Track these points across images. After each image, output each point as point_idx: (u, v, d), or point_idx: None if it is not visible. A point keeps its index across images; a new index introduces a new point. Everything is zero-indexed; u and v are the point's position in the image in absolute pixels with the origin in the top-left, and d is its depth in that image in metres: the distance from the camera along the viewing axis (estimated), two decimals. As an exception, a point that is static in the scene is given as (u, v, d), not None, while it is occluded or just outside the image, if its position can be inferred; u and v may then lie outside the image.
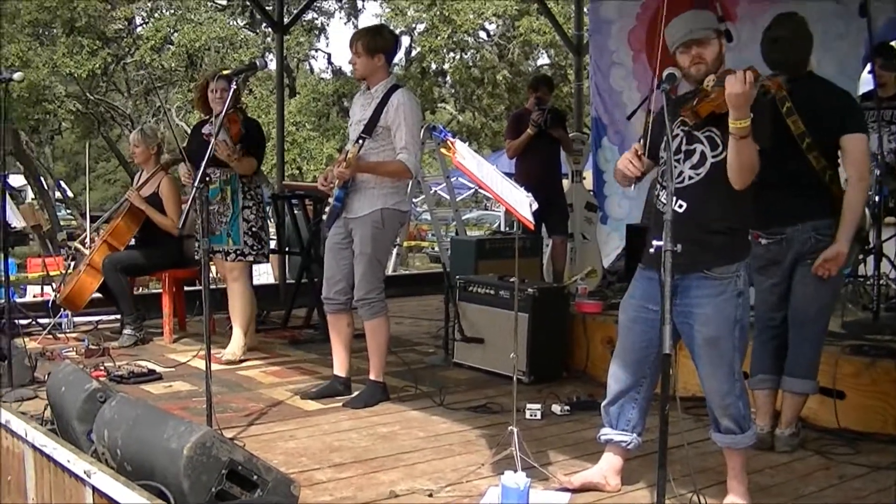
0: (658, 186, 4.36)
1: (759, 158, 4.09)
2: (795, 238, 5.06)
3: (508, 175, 5.14)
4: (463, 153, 4.55)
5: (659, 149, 4.32)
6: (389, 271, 13.00)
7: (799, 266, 5.09)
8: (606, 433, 4.55)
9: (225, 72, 6.26)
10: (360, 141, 5.92)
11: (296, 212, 9.07)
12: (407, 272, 18.16)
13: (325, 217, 6.52)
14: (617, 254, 9.98)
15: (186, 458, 3.65)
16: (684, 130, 4.26)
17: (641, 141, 4.41)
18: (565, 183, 9.78)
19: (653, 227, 4.35)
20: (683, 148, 4.25)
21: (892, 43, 7.73)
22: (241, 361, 7.27)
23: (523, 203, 4.43)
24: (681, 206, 4.17)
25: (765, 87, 3.90)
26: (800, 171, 5.03)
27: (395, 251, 13.09)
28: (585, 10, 11.78)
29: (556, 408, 5.94)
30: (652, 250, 3.90)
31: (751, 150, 3.98)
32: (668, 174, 3.74)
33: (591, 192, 10.43)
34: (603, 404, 4.57)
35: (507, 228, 13.90)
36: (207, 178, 6.62)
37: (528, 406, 5.84)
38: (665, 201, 3.85)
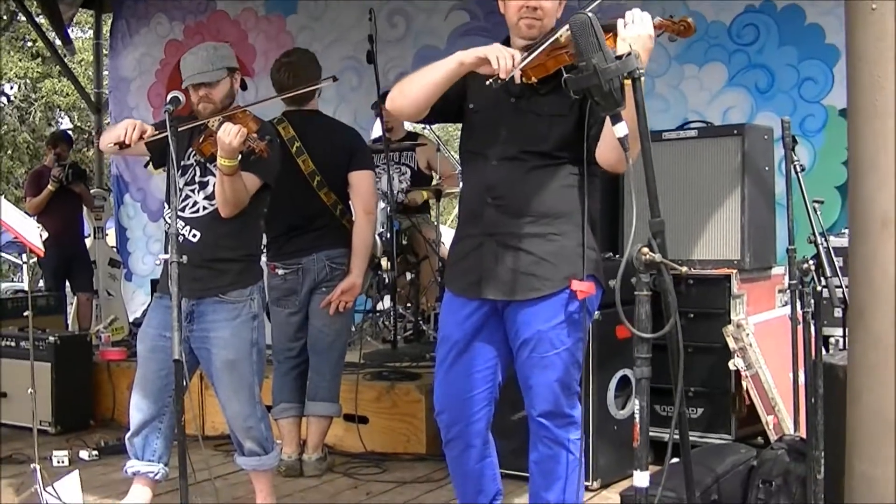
0: (165, 207, 4.44)
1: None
2: (311, 267, 5.25)
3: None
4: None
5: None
6: None
7: (315, 294, 5.28)
8: (133, 465, 4.43)
9: None
10: None
11: None
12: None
13: None
14: (143, 309, 9.91)
15: None
16: (198, 162, 4.34)
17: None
18: (88, 240, 9.64)
19: (164, 247, 4.28)
20: (198, 179, 4.33)
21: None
22: None
23: (33, 232, 4.43)
24: (195, 236, 4.26)
25: (251, 147, 4.01)
26: (313, 206, 5.26)
27: None
28: (105, 69, 11.73)
29: (83, 454, 5.85)
30: (158, 263, 4.01)
31: (237, 186, 4.13)
32: (172, 192, 3.85)
33: (115, 249, 10.31)
34: (127, 436, 4.46)
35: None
36: None
37: (55, 453, 5.68)
38: (170, 222, 3.86)
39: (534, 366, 3.45)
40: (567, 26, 3.03)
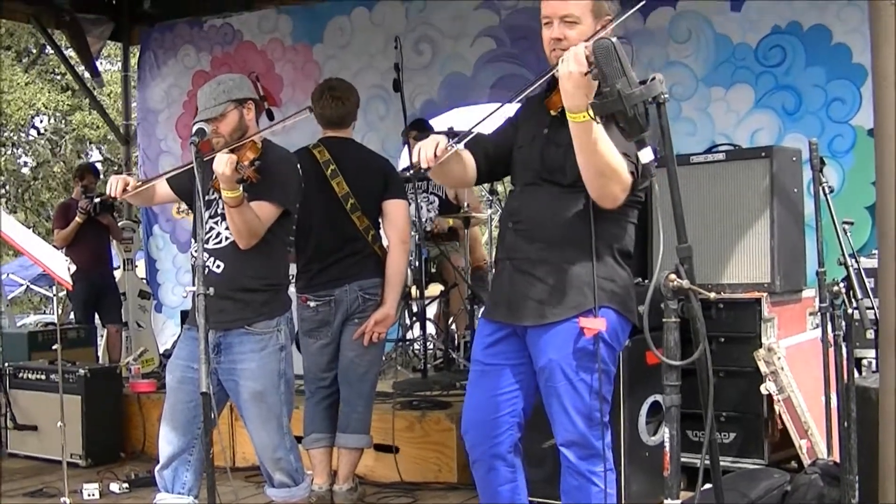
0: (192, 241, 4.46)
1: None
2: (343, 298, 5.21)
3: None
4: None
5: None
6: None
7: (348, 325, 5.25)
8: (163, 498, 4.40)
9: None
10: None
11: None
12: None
13: None
14: (173, 341, 9.94)
15: None
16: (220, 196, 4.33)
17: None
18: (117, 272, 9.69)
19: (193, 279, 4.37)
20: (219, 211, 4.32)
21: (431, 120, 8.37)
22: None
23: (61, 265, 4.46)
24: (219, 267, 4.26)
25: (240, 175, 4.06)
26: (346, 230, 5.24)
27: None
28: (134, 101, 11.78)
29: (114, 486, 5.87)
30: (185, 295, 4.01)
31: (246, 217, 4.14)
32: (198, 224, 3.86)
33: (144, 280, 10.37)
34: (157, 469, 4.44)
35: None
36: None
37: (85, 486, 5.73)
38: (196, 255, 3.85)
39: (550, 395, 3.46)
40: (557, 64, 3.07)
